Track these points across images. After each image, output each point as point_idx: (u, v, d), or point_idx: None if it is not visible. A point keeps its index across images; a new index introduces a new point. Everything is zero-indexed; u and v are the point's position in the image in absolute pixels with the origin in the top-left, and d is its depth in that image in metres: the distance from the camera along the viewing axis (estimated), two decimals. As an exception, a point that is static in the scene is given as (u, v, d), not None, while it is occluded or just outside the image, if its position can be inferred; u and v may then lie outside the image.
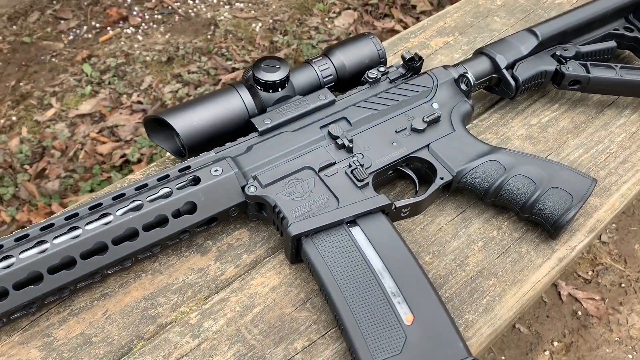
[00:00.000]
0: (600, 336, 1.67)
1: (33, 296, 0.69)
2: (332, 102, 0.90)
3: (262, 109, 0.88)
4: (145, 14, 2.67)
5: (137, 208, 0.75)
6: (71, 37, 2.54)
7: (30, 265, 0.69)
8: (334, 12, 2.69)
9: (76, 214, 0.74)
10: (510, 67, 0.99)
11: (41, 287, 0.69)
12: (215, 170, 0.79)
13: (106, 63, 2.37)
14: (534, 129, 1.02)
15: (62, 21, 2.61)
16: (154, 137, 0.90)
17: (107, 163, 2.00)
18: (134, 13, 2.67)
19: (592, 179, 0.84)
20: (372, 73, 0.93)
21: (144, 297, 0.77)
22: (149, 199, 0.76)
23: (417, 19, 2.69)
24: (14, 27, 2.56)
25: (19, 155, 1.99)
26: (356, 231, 0.77)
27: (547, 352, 1.63)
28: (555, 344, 1.65)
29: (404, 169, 0.88)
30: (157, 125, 0.89)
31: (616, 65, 1.00)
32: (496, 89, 1.02)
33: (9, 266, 0.68)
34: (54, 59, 2.42)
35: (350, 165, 0.83)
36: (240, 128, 0.87)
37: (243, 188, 0.80)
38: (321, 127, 0.87)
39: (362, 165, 0.83)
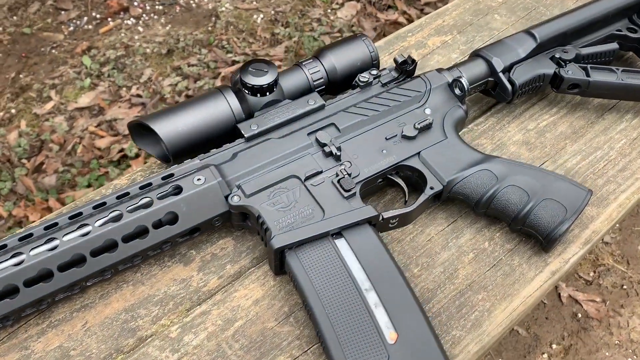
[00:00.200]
0: (600, 339, 1.64)
1: (8, 310, 0.67)
2: (322, 107, 0.87)
3: (249, 114, 0.86)
4: (147, 4, 2.65)
5: (116, 218, 0.73)
6: (71, 28, 2.52)
7: (5, 278, 0.67)
8: (337, 4, 2.65)
9: (55, 224, 0.73)
10: (507, 70, 0.96)
11: (16, 301, 0.68)
12: (198, 179, 0.77)
13: (106, 55, 2.35)
14: (531, 134, 0.99)
15: (62, 12, 2.59)
16: (140, 142, 0.89)
17: (105, 158, 1.98)
18: (135, 4, 2.65)
19: (587, 190, 0.81)
20: (364, 77, 0.90)
21: (124, 308, 0.76)
22: (128, 209, 0.74)
23: (422, 11, 2.64)
24: (15, 17, 2.54)
25: (17, 149, 1.99)
26: (341, 243, 0.75)
27: (545, 355, 1.61)
28: (554, 346, 1.62)
29: (394, 177, 0.85)
30: (142, 130, 0.86)
31: (617, 69, 0.97)
32: (492, 93, 0.99)
33: (-17, 279, 0.67)
34: (54, 51, 2.40)
35: (337, 175, 0.80)
36: (227, 134, 0.85)
37: (227, 197, 0.77)
38: (309, 134, 0.84)
39: (349, 175, 0.80)
